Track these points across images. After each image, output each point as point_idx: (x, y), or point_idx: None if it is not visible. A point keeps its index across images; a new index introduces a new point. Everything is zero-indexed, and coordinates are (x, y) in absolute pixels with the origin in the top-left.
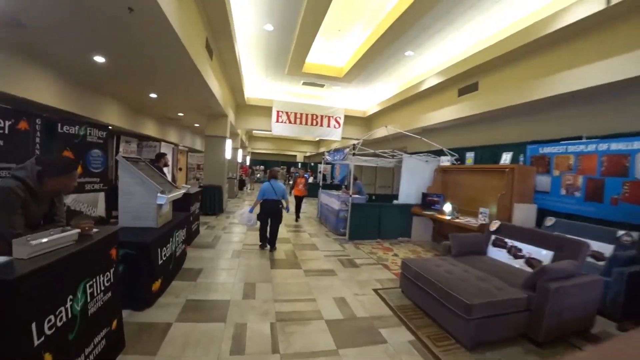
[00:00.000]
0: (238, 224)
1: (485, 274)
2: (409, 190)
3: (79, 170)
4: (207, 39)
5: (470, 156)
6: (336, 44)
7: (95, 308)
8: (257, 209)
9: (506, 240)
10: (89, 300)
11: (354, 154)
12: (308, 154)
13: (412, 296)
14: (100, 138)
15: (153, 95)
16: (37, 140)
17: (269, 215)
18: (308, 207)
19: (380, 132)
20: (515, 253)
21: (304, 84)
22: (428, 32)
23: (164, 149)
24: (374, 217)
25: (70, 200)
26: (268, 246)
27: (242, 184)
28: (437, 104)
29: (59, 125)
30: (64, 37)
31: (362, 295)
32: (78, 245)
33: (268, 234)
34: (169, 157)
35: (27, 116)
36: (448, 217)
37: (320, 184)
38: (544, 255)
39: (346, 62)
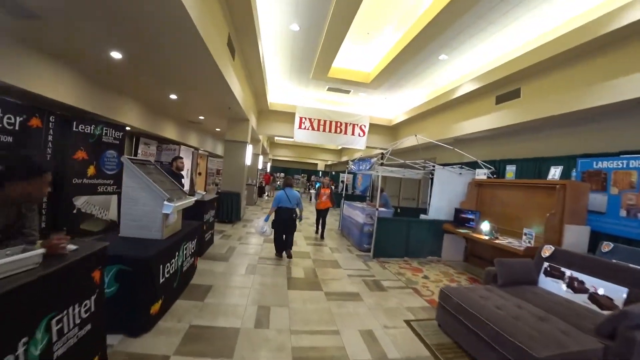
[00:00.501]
0: (255, 234)
1: (544, 312)
2: (440, 204)
3: (92, 171)
4: (230, 36)
5: (510, 170)
6: (364, 47)
7: (65, 348)
8: (272, 217)
9: (563, 269)
10: (54, 339)
11: (381, 164)
12: (329, 163)
13: (451, 332)
14: (117, 139)
15: (173, 97)
16: (50, 138)
17: (284, 223)
18: (328, 217)
19: (409, 141)
20: (575, 286)
21: (329, 89)
22: (467, 32)
23: (184, 152)
24: (401, 233)
25: (81, 202)
26: (285, 255)
27: (261, 191)
28: (472, 113)
29: (74, 123)
30: (79, 30)
31: (392, 328)
32: (42, 270)
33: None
34: (188, 161)
35: (40, 113)
36: (486, 237)
37: (343, 194)
38: (615, 291)
39: (374, 67)
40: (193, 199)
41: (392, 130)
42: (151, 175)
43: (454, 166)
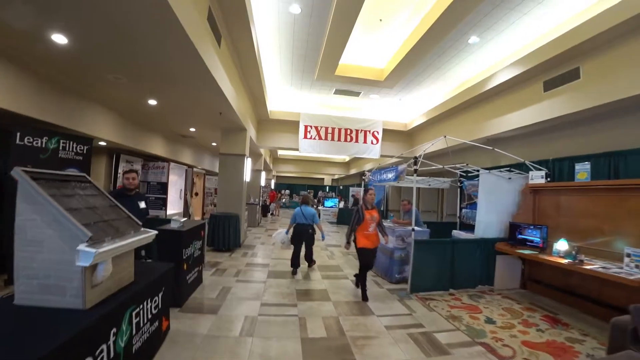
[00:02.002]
0: (257, 266)
1: None
2: (489, 218)
3: None
4: (211, 10)
5: (583, 169)
6: (376, 38)
7: None
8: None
9: None
10: None
11: (415, 171)
12: (336, 177)
13: None
14: (79, 154)
15: (152, 102)
16: None
17: (301, 239)
18: (341, 236)
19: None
20: None
21: (336, 92)
22: (504, 6)
23: (176, 170)
24: (445, 258)
25: None
26: (299, 274)
27: (265, 210)
28: (510, 106)
29: (17, 135)
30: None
31: None
32: None
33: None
34: (181, 180)
35: None
36: (565, 261)
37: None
38: None
39: (388, 62)
40: (149, 234)
41: (408, 136)
42: (73, 199)
43: (502, 170)
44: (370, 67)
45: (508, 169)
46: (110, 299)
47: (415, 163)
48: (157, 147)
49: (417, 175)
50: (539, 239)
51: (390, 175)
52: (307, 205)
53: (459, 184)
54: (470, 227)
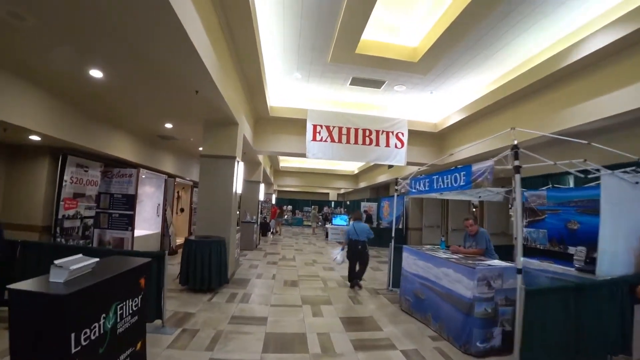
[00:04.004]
0: (249, 321)
1: None
2: (614, 247)
3: None
4: None
5: None
6: (409, 4)
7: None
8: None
9: None
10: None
11: (516, 170)
12: (342, 191)
13: None
14: None
15: (96, 74)
16: None
17: (354, 255)
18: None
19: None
20: None
21: (354, 82)
22: None
23: (153, 181)
24: (567, 315)
25: None
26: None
27: (264, 229)
28: (599, 87)
29: None
30: None
31: None
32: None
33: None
34: (159, 192)
35: None
36: None
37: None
38: None
39: (424, 37)
40: None
41: (437, 139)
42: None
43: (628, 169)
44: (401, 46)
45: (633, 168)
46: None
47: (516, 157)
48: (123, 149)
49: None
50: None
51: (453, 182)
52: (359, 221)
53: (512, 195)
54: (535, 252)
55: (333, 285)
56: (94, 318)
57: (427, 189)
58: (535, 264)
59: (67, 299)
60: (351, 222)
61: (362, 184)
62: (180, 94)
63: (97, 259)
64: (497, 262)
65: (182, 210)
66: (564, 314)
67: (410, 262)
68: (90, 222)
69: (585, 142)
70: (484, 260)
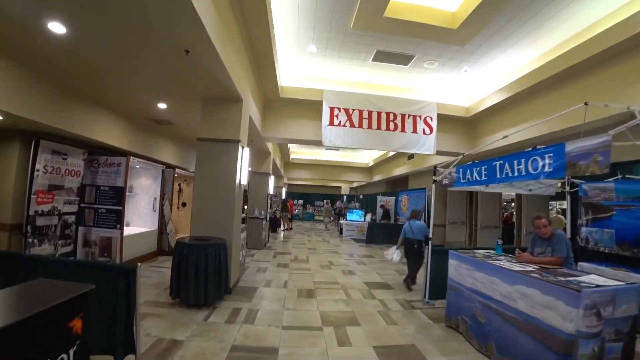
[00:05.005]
0: (257, 352)
1: None
2: None
3: None
4: None
5: None
6: None
7: None
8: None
9: None
10: None
11: None
12: (355, 185)
13: None
14: None
15: (57, 28)
16: None
17: (409, 253)
18: (376, 267)
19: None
20: None
21: (377, 57)
22: None
23: (150, 172)
24: None
25: None
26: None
27: (274, 224)
28: None
29: None
30: None
31: None
32: None
33: None
34: (156, 185)
35: None
36: None
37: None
38: None
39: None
40: None
41: (468, 126)
42: None
43: None
44: (437, 9)
45: None
46: None
47: None
48: (111, 134)
49: None
50: None
51: (531, 168)
52: (415, 219)
53: (567, 188)
54: (598, 257)
55: (357, 296)
56: None
57: (484, 178)
58: (598, 269)
59: None
60: (407, 221)
61: (377, 177)
62: (171, 61)
63: None
64: (595, 279)
65: (184, 204)
66: None
67: (463, 273)
68: (71, 219)
69: None
70: (572, 275)
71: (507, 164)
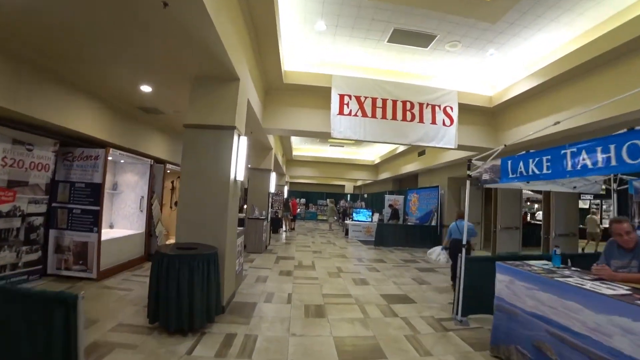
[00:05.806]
0: None
1: None
2: None
3: None
4: None
5: None
6: None
7: None
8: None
9: None
10: None
11: None
12: (359, 183)
13: None
14: None
15: None
16: None
17: (455, 253)
18: (412, 275)
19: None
20: None
21: (394, 37)
22: None
23: (137, 166)
24: None
25: None
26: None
27: (276, 225)
28: None
29: None
30: None
31: None
32: None
33: None
34: (143, 182)
35: None
36: None
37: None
38: None
39: None
40: None
41: (491, 117)
42: None
43: None
44: None
45: None
46: None
47: None
48: (87, 122)
49: None
50: None
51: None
52: (462, 220)
53: (614, 186)
54: None
55: (375, 314)
56: None
57: (547, 172)
58: None
59: None
60: (454, 222)
61: (384, 175)
62: (149, 22)
63: None
64: None
65: (176, 203)
66: None
67: (519, 292)
68: (37, 221)
69: None
70: None
71: (584, 152)
